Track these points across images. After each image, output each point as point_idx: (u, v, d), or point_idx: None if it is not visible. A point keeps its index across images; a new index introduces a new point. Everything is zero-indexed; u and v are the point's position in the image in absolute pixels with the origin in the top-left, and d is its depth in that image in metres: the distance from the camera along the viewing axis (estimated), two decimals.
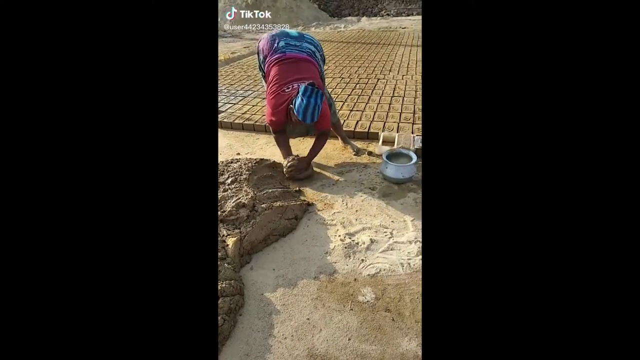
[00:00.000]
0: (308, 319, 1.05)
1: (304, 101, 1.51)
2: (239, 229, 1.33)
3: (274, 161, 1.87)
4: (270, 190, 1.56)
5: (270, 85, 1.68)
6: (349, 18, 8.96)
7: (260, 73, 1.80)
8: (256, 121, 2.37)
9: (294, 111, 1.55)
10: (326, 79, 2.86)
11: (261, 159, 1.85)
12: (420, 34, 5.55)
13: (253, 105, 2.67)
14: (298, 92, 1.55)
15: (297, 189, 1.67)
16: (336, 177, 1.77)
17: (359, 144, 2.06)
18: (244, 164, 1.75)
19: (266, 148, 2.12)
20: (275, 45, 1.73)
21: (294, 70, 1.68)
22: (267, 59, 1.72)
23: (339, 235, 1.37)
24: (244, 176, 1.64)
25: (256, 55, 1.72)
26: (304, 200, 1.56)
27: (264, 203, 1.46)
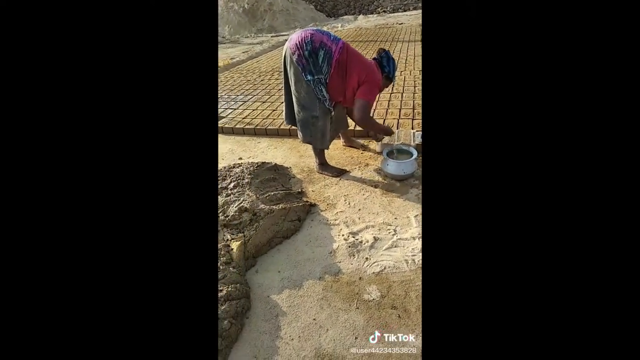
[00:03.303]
0: (314, 319, 1.05)
1: (393, 60, 1.69)
2: (243, 232, 1.34)
3: (276, 164, 1.88)
4: (272, 193, 1.57)
5: (366, 63, 1.63)
6: (345, 17, 8.95)
7: (316, 66, 1.56)
8: (257, 125, 2.38)
9: (391, 74, 1.69)
10: None
11: (263, 163, 1.86)
12: (417, 29, 5.52)
13: (253, 110, 2.69)
14: (382, 59, 1.68)
15: (300, 190, 1.67)
16: (338, 177, 1.77)
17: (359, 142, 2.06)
18: (246, 168, 1.76)
19: (267, 151, 2.13)
20: (332, 36, 1.65)
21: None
22: (333, 46, 1.58)
23: (343, 235, 1.37)
24: (246, 180, 1.66)
25: (297, 50, 1.54)
26: (307, 201, 1.56)
27: (267, 206, 1.47)
